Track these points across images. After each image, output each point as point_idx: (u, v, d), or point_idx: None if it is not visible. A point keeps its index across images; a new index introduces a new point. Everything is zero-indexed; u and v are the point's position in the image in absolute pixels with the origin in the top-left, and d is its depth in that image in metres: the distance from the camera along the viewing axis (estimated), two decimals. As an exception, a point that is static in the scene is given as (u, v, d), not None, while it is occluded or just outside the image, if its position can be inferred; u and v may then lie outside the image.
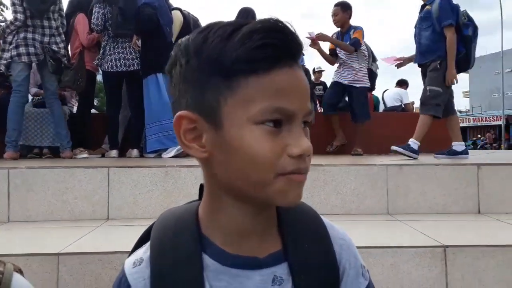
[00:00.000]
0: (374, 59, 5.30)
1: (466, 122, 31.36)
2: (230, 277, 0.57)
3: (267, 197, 0.54)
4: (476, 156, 4.36)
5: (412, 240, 1.95)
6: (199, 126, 0.55)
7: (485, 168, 2.66)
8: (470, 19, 3.68)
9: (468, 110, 37.88)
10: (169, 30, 4.14)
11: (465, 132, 30.21)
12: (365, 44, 4.75)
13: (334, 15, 4.46)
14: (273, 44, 0.51)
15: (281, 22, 0.52)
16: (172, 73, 0.57)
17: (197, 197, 0.65)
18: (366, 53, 4.74)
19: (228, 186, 0.56)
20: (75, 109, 5.00)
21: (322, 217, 0.65)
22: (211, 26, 0.54)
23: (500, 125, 25.93)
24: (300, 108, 0.53)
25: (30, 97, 4.74)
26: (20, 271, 0.73)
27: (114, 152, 4.13)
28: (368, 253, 1.77)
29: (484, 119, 31.89)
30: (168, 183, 2.58)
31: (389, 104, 7.36)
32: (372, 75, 5.12)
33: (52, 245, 1.86)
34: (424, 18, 3.69)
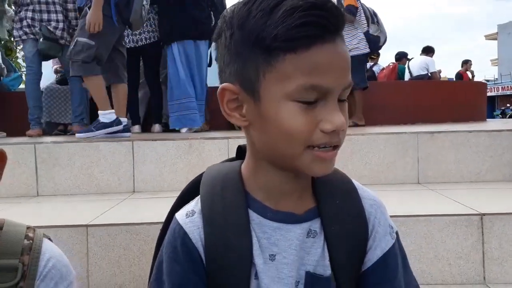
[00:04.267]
0: (373, 20, 4.55)
1: (494, 91, 30.27)
2: (272, 230, 0.62)
3: (295, 168, 0.58)
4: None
5: (446, 208, 1.87)
6: (241, 97, 0.58)
7: (523, 134, 2.53)
8: None
9: (497, 78, 36.50)
10: None
11: (494, 101, 29.26)
12: (361, 6, 4.40)
13: None
14: (313, 22, 0.51)
15: None
16: (218, 43, 0.60)
17: None
18: (363, 16, 4.38)
19: (263, 154, 0.60)
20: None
21: (353, 180, 0.69)
22: None
23: (531, 93, 24.94)
24: (338, 84, 0.54)
25: (54, 75, 4.77)
26: (49, 240, 0.71)
27: (136, 127, 4.15)
28: (400, 222, 1.70)
29: (513, 88, 30.71)
30: (192, 156, 2.55)
31: (415, 73, 7.13)
32: (372, 39, 4.47)
33: (81, 217, 1.87)
34: None
